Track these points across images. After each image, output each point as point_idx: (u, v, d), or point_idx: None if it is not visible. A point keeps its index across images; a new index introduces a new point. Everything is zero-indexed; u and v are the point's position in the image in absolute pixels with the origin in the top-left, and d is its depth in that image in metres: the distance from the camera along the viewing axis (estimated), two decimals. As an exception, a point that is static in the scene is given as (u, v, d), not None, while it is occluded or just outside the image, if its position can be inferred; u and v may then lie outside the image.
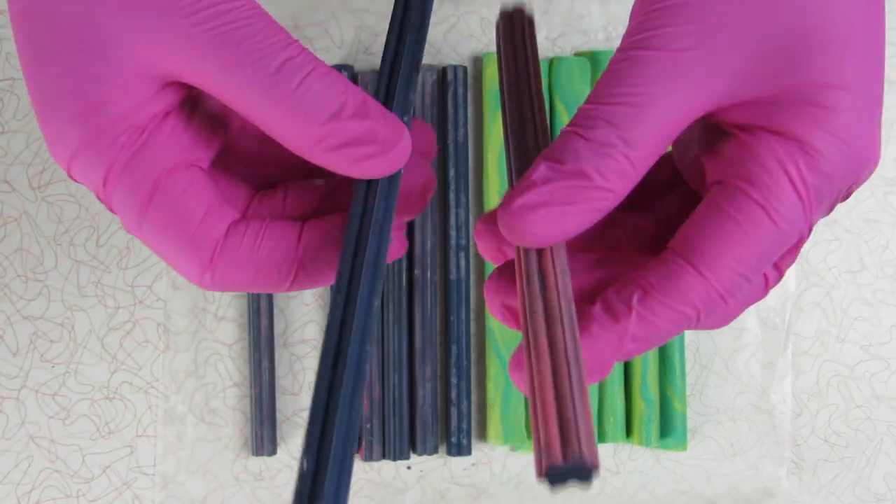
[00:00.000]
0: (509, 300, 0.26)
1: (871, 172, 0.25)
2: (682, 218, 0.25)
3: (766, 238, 0.24)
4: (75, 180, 0.25)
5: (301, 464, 0.22)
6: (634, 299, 0.24)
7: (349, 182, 0.26)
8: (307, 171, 0.27)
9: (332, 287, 0.25)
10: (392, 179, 0.26)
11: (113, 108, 0.24)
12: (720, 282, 0.24)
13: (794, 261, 0.26)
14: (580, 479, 0.21)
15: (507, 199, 0.24)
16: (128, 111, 0.24)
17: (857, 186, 0.25)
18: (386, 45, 0.28)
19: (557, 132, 0.45)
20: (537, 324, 0.23)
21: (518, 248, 0.25)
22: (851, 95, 0.23)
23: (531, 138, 0.28)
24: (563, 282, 0.24)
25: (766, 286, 0.26)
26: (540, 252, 0.24)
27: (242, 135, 0.27)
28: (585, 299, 0.25)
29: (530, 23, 0.31)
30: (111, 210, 0.25)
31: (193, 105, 0.26)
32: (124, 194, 0.24)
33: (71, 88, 0.24)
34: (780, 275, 0.26)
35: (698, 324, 0.24)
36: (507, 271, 0.26)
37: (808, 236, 0.24)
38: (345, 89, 0.24)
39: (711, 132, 0.26)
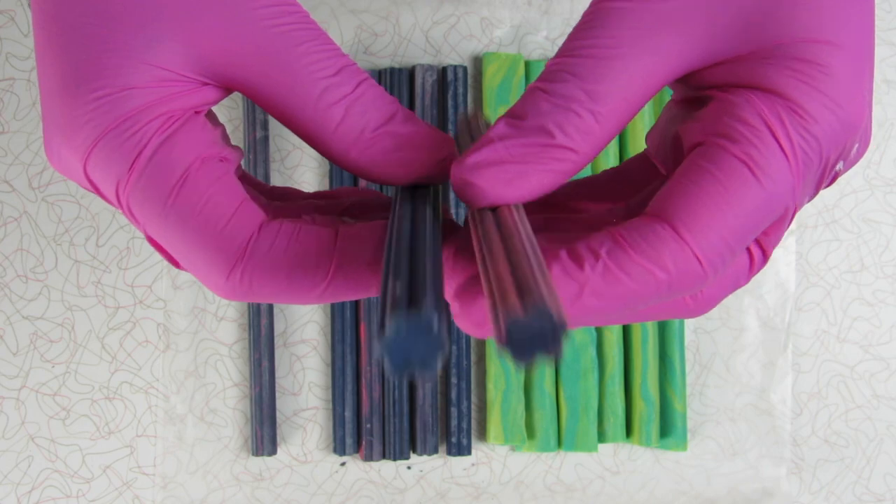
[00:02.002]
0: (477, 311, 0.22)
1: (857, 142, 0.23)
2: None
3: (749, 198, 0.21)
4: (87, 177, 0.24)
5: (390, 288, 0.19)
6: (603, 249, 0.21)
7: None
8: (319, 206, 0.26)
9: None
10: (438, 188, 0.24)
11: (148, 93, 0.23)
12: (697, 243, 0.21)
13: (779, 239, 0.23)
14: (548, 341, 0.18)
15: (462, 157, 0.22)
16: (162, 99, 0.23)
17: (845, 163, 0.23)
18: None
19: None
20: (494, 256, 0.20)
21: (474, 213, 0.22)
22: (842, 52, 0.21)
23: None
24: (527, 233, 0.21)
25: (751, 267, 0.23)
26: (498, 213, 0.22)
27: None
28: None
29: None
30: (126, 208, 0.24)
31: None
32: (149, 184, 0.23)
33: (107, 68, 0.22)
34: (765, 256, 0.23)
35: (671, 294, 0.21)
36: (469, 290, 0.23)
37: (793, 212, 0.22)
38: (394, 98, 0.24)
39: (689, 106, 0.24)
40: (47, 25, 0.24)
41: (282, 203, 0.26)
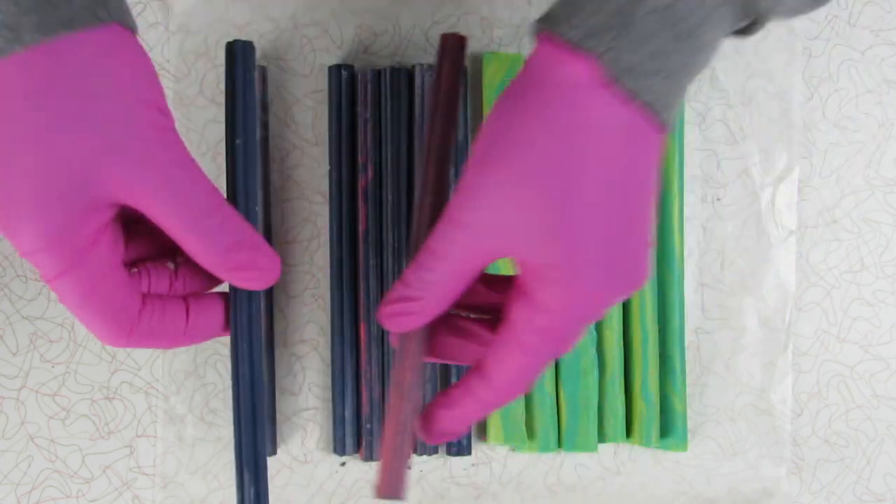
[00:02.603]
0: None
1: (626, 293, 0.34)
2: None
3: (525, 366, 0.34)
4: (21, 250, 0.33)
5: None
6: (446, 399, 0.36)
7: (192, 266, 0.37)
8: (173, 250, 0.37)
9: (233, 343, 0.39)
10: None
11: (76, 222, 0.32)
12: (496, 389, 0.35)
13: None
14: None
15: (381, 305, 0.36)
16: (82, 223, 0.32)
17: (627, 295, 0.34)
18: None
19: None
20: (393, 393, 0.37)
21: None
22: (576, 278, 0.32)
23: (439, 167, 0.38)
24: (413, 362, 0.37)
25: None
26: (404, 337, 0.37)
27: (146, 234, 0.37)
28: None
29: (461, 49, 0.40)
30: (45, 276, 0.33)
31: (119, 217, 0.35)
32: (70, 286, 0.33)
33: (41, 198, 0.32)
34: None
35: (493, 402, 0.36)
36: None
37: (567, 345, 0.34)
38: (242, 226, 0.35)
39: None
40: None
41: (160, 265, 0.37)
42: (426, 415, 0.36)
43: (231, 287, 0.38)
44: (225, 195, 0.37)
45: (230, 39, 0.47)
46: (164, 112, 0.34)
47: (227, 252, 0.35)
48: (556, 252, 0.32)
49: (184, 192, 0.34)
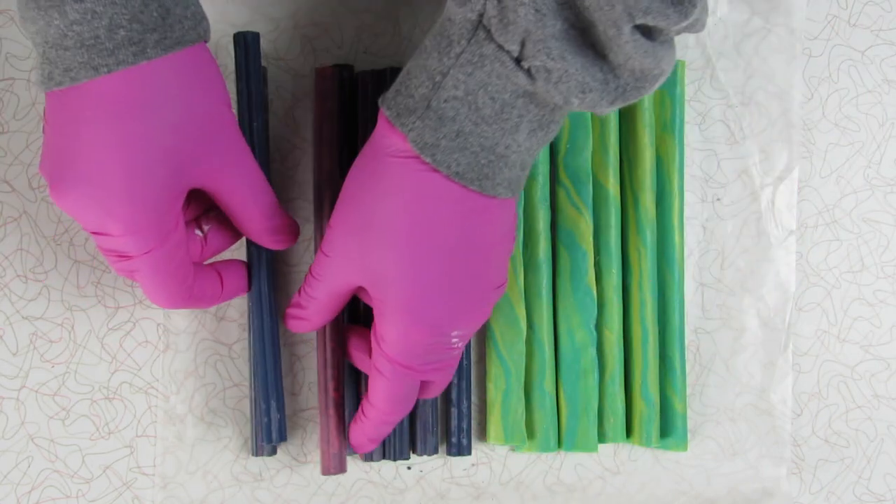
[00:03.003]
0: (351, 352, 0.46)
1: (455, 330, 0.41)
2: None
3: (386, 387, 0.42)
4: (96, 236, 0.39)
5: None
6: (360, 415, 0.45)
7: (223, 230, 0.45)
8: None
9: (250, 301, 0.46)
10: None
11: (170, 205, 0.39)
12: (375, 407, 0.43)
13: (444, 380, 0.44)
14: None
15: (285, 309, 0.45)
16: (172, 206, 0.39)
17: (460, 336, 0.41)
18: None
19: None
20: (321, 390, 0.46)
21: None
22: (402, 315, 0.40)
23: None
24: (331, 360, 0.46)
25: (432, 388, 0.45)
26: (318, 336, 0.46)
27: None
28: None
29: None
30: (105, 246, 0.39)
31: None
32: (153, 260, 0.39)
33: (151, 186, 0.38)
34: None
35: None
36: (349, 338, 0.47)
37: (418, 373, 0.42)
38: (274, 195, 0.44)
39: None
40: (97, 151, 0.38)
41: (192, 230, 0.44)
42: (349, 430, 0.45)
43: (249, 252, 0.45)
44: None
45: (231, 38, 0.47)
46: (232, 109, 0.41)
47: (271, 218, 0.43)
48: (387, 290, 0.39)
49: (251, 175, 0.42)
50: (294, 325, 0.44)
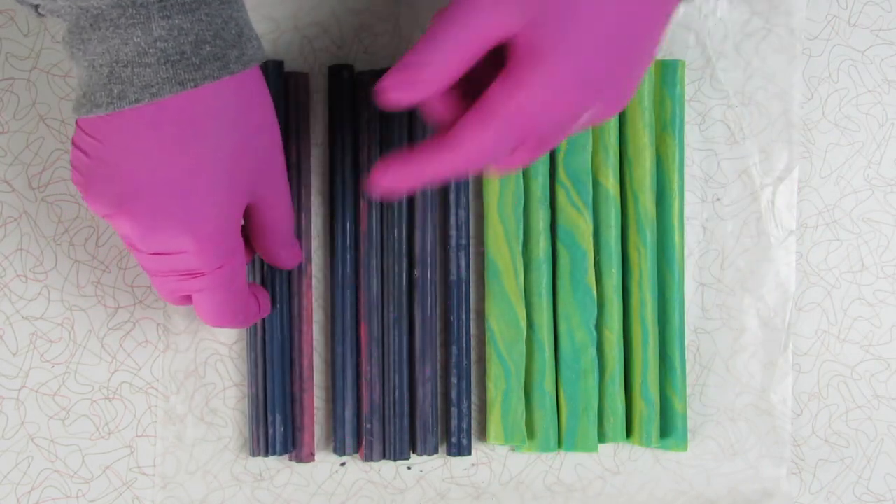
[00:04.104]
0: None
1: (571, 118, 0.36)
2: None
3: (489, 128, 0.35)
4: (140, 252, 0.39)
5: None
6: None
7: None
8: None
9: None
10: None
11: (238, 220, 0.40)
12: (459, 150, 0.36)
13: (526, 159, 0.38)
14: None
15: (383, 78, 0.35)
16: (239, 221, 0.40)
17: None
18: None
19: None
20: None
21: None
22: (564, 61, 0.34)
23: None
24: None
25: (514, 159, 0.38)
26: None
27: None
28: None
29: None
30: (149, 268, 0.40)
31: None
32: (225, 273, 0.39)
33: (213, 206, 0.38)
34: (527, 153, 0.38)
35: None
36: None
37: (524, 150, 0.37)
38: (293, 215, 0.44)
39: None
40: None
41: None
42: (381, 165, 0.37)
43: (269, 272, 0.47)
44: None
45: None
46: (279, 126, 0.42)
47: (292, 235, 0.44)
48: (556, 32, 0.34)
49: (289, 193, 0.42)
50: (401, 95, 0.35)
